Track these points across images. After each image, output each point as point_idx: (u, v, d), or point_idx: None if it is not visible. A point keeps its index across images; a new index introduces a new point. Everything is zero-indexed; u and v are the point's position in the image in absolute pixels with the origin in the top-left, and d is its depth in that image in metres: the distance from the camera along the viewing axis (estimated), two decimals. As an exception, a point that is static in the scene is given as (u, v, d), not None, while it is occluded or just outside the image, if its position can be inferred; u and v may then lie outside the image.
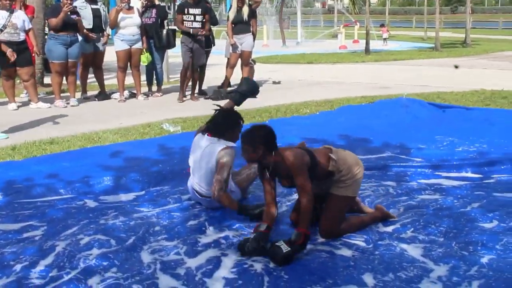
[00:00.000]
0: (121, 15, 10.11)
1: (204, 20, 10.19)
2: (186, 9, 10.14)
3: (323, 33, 33.30)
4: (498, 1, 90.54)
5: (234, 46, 10.98)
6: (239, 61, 11.26)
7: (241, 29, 10.92)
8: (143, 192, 5.24)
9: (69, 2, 9.60)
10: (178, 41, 10.75)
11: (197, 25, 10.13)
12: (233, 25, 10.92)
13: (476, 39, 28.47)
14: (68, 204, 4.93)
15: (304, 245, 3.77)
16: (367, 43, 21.11)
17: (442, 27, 35.61)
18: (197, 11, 10.13)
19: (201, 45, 10.38)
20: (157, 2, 11.18)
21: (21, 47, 9.25)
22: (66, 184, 5.32)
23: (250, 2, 11.27)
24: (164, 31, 10.72)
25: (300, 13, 28.55)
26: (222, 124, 4.58)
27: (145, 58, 10.44)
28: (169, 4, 48.33)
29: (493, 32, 37.58)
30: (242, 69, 11.33)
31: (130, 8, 10.24)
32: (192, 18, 10.13)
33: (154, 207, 4.83)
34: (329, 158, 4.06)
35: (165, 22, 11.05)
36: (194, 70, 10.58)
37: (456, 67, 15.21)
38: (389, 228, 4.28)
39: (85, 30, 10.05)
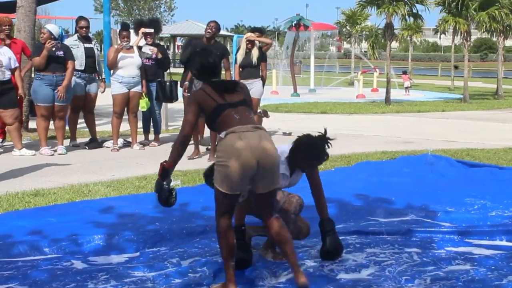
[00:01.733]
0: (120, 54, 10.28)
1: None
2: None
3: (338, 80, 33.67)
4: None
5: None
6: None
7: (250, 73, 11.00)
8: (137, 254, 5.23)
9: (44, 36, 9.70)
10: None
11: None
12: (240, 69, 11.05)
13: (509, 90, 28.69)
14: (53, 265, 4.91)
15: (161, 176, 4.45)
16: (388, 92, 21.22)
17: (471, 76, 36.00)
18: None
19: None
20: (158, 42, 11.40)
21: (5, 87, 9.38)
22: (51, 242, 5.31)
23: (260, 44, 11.41)
24: (167, 83, 10.82)
25: (314, 57, 28.85)
26: None
27: (144, 103, 10.54)
28: (168, 44, 49.10)
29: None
30: None
31: (129, 47, 10.42)
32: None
33: (149, 270, 4.82)
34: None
35: (168, 68, 11.26)
36: None
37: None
38: (414, 302, 4.26)
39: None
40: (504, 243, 5.66)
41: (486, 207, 6.68)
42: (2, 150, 10.14)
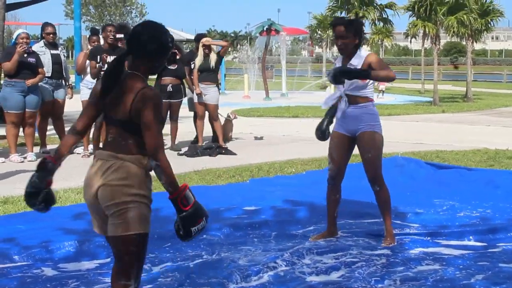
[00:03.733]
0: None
1: None
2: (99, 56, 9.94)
3: (310, 84, 33.78)
4: (502, 51, 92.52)
5: (200, 96, 11.12)
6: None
7: (207, 77, 11.11)
8: (108, 260, 5.19)
9: (24, 41, 9.65)
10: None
11: None
12: (199, 73, 11.13)
13: (478, 92, 29.03)
14: (23, 272, 4.88)
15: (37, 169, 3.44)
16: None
17: (441, 79, 36.38)
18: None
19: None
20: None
21: None
22: (21, 249, 5.27)
23: (219, 49, 11.55)
24: None
25: (286, 62, 28.92)
26: None
27: None
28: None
29: (497, 86, 38.39)
30: (211, 125, 11.45)
31: None
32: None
33: (120, 276, 4.81)
34: None
35: None
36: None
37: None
38: (384, 302, 4.30)
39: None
40: (472, 243, 5.74)
41: (454, 208, 6.76)
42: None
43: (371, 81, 5.51)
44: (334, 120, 5.76)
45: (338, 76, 5.30)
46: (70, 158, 10.82)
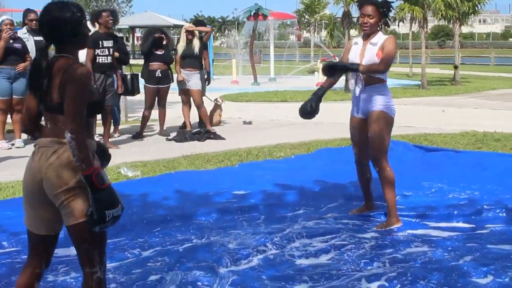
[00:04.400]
0: None
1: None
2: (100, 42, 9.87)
3: (298, 68, 33.73)
4: (489, 34, 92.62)
5: (183, 82, 11.10)
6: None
7: (190, 63, 11.08)
8: (97, 245, 5.20)
9: (8, 27, 9.55)
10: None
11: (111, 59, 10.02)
12: (181, 60, 11.13)
13: (466, 76, 29.07)
14: (13, 258, 4.87)
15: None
16: (347, 80, 21.27)
17: (428, 62, 36.41)
18: (110, 43, 10.00)
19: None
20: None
21: None
22: (10, 235, 5.26)
23: (201, 34, 11.50)
24: (128, 77, 10.68)
25: (273, 47, 28.86)
26: None
27: None
28: (127, 35, 48.67)
29: (484, 69, 38.41)
30: (197, 110, 11.44)
31: None
32: (107, 52, 9.92)
33: (109, 261, 4.79)
34: None
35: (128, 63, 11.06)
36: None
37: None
38: (374, 285, 4.31)
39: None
40: (460, 224, 5.78)
41: (443, 190, 6.78)
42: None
43: None
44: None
45: (326, 70, 5.66)
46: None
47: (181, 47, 11.14)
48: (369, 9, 5.55)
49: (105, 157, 3.40)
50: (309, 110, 5.85)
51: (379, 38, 5.59)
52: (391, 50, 5.55)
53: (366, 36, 5.63)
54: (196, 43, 11.12)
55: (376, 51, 5.53)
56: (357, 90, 5.72)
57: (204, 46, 11.42)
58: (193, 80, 11.16)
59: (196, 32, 11.35)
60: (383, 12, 5.63)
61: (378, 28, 5.67)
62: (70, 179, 3.13)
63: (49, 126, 3.28)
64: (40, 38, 10.32)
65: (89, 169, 3.04)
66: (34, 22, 10.42)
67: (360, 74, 5.63)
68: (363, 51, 5.62)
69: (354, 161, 6.00)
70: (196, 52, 11.11)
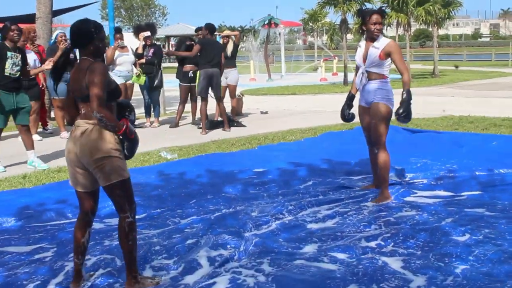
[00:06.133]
0: (117, 53, 10.23)
1: None
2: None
3: (304, 67, 33.55)
4: (462, 36, 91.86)
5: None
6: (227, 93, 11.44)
7: (226, 64, 10.97)
8: (144, 215, 5.21)
9: (63, 39, 9.59)
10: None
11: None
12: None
13: (443, 70, 28.77)
14: (76, 227, 4.88)
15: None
16: (345, 76, 21.32)
17: (412, 60, 36.05)
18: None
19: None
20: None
21: (31, 83, 9.30)
22: (74, 208, 5.28)
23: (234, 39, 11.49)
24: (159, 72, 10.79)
25: (284, 49, 28.74)
26: None
27: (142, 80, 10.56)
28: (163, 43, 48.60)
29: (458, 64, 37.96)
30: (230, 101, 11.52)
31: (124, 47, 10.37)
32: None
33: (154, 228, 4.81)
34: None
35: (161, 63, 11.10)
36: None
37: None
38: (372, 243, 4.29)
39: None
40: (442, 192, 5.73)
41: (427, 165, 6.71)
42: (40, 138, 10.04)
43: (389, 61, 5.45)
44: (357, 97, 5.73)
45: (408, 115, 5.66)
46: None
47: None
48: (379, 17, 5.40)
49: (128, 111, 3.66)
50: (347, 119, 5.88)
51: (382, 42, 5.39)
52: (401, 58, 5.46)
53: (370, 39, 5.48)
54: (229, 46, 11.14)
55: (379, 53, 5.37)
56: (363, 83, 5.60)
57: (236, 48, 11.39)
58: (231, 76, 11.17)
59: (232, 37, 11.38)
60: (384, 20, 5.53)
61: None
62: (99, 151, 3.40)
63: (82, 111, 3.51)
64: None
65: (121, 129, 3.43)
66: None
67: (365, 71, 5.52)
68: (365, 53, 5.47)
69: (366, 142, 5.88)
70: (229, 54, 11.09)
